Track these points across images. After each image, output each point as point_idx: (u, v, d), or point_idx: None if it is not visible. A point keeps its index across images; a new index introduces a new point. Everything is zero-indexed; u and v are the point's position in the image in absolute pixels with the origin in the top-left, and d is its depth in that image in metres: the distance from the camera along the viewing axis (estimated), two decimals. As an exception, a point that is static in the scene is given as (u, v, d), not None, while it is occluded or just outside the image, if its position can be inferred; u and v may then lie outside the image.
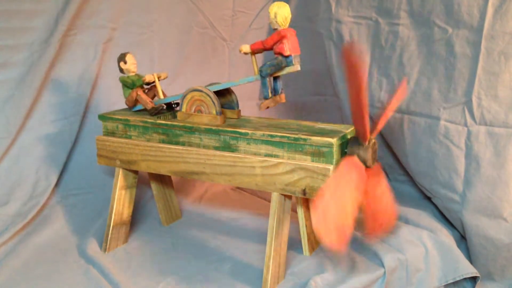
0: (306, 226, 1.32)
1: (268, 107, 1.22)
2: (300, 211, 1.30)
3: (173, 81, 1.79)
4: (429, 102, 1.47)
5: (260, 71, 1.18)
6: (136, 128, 1.34)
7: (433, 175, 1.48)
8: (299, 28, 1.92)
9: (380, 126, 1.14)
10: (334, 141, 1.09)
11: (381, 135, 1.67)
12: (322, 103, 1.95)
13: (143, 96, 1.36)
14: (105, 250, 1.38)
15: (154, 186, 1.52)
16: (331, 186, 1.04)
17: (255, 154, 1.19)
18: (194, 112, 1.29)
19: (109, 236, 1.38)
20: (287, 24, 1.17)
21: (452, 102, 1.41)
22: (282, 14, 1.14)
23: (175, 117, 1.36)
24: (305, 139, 1.11)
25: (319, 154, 1.11)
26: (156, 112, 1.35)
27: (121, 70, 1.37)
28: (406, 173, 1.64)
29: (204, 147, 1.25)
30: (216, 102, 1.25)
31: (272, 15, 1.15)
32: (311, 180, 1.11)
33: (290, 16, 1.16)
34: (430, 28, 1.45)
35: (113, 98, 1.75)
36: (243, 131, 1.19)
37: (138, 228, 1.53)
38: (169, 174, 1.32)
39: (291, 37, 1.16)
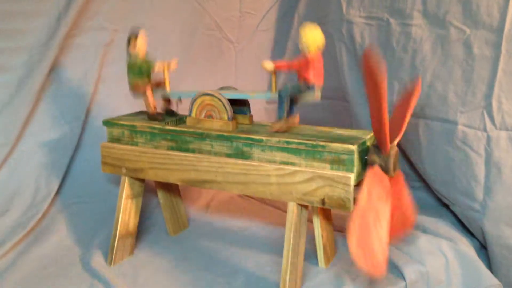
0: (322, 236, 1.27)
1: (279, 130, 1.17)
2: (316, 221, 1.26)
3: (178, 84, 1.74)
4: (445, 106, 1.43)
5: (280, 91, 1.14)
6: (143, 134, 1.29)
7: (451, 182, 1.44)
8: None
9: (402, 132, 1.09)
10: (354, 148, 1.04)
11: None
12: (330, 107, 1.90)
13: (150, 98, 1.31)
14: (110, 263, 1.33)
15: (160, 194, 1.47)
16: (361, 209, 1.01)
17: (270, 161, 1.14)
18: (205, 117, 1.24)
19: (115, 248, 1.33)
20: (317, 51, 1.12)
21: (470, 106, 1.37)
22: (314, 41, 1.09)
23: (183, 122, 1.32)
24: (323, 146, 1.07)
25: (338, 161, 1.06)
26: (155, 119, 1.30)
27: (128, 51, 1.29)
28: (422, 179, 1.60)
29: (216, 154, 1.21)
30: (228, 107, 1.21)
31: (303, 39, 1.10)
32: (331, 189, 1.06)
33: (323, 43, 1.11)
34: (445, 29, 1.41)
35: (116, 102, 1.71)
36: (257, 137, 1.14)
37: (144, 239, 1.47)
38: (178, 183, 1.28)
39: (318, 65, 1.12)
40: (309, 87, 1.12)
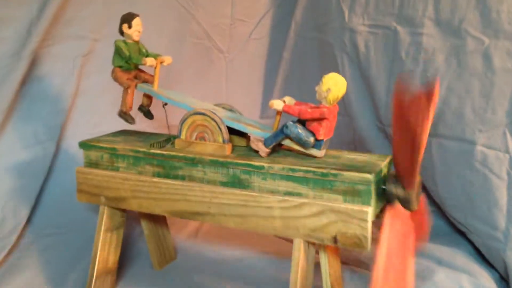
0: (330, 274, 1.13)
1: (257, 151, 1.05)
2: (324, 258, 1.12)
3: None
4: (461, 124, 1.31)
5: (286, 129, 0.99)
6: (125, 158, 1.15)
7: (468, 208, 1.32)
8: (306, 38, 1.78)
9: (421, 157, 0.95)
10: (371, 177, 0.91)
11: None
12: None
13: (130, 96, 1.17)
14: (87, 305, 1.17)
15: (145, 224, 1.33)
16: (384, 258, 0.87)
17: (272, 192, 1.00)
18: (196, 139, 1.10)
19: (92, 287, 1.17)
20: (336, 103, 0.99)
21: (490, 124, 1.25)
22: (336, 93, 0.96)
23: (171, 144, 1.17)
24: (335, 175, 0.93)
25: (353, 192, 0.93)
26: (125, 118, 1.17)
27: (121, 33, 1.16)
28: (435, 204, 1.47)
29: (209, 182, 1.06)
30: (223, 128, 1.07)
31: (324, 88, 0.97)
32: (344, 225, 0.93)
33: (343, 94, 0.98)
34: (461, 38, 1.30)
35: (95, 119, 1.58)
36: (257, 163, 1.00)
37: (126, 274, 1.32)
38: (166, 215, 1.13)
39: (332, 119, 1.00)
40: (315, 142, 1.00)
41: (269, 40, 1.82)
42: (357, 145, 1.65)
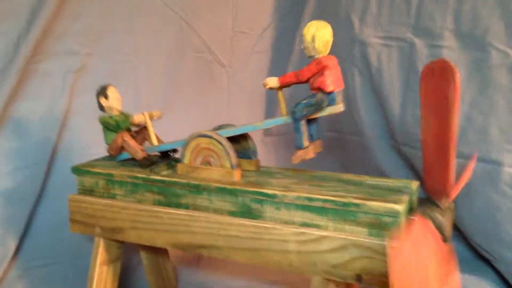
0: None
1: (302, 160, 0.95)
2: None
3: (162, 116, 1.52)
4: (485, 143, 1.24)
5: (293, 112, 0.92)
6: (123, 185, 1.06)
7: (494, 234, 1.24)
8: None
9: (462, 183, 0.87)
10: (401, 208, 0.82)
11: (422, 180, 1.41)
12: (339, 141, 1.69)
13: (132, 143, 1.08)
14: None
15: (144, 255, 1.24)
16: (405, 270, 0.77)
17: (287, 223, 0.92)
18: (201, 164, 1.02)
19: (87, 328, 1.08)
20: (328, 51, 0.91)
21: (518, 143, 1.18)
22: (322, 37, 0.90)
23: (173, 169, 1.09)
24: (358, 205, 0.85)
25: (379, 225, 0.84)
26: (149, 163, 1.07)
27: (101, 108, 1.12)
28: (457, 228, 1.39)
29: (216, 212, 0.98)
30: (230, 152, 0.98)
31: (308, 38, 0.90)
32: (369, 262, 0.84)
33: (331, 40, 0.91)
34: (485, 51, 1.23)
35: (87, 140, 1.50)
36: (269, 191, 0.92)
37: (123, 310, 1.22)
38: (168, 247, 1.04)
39: (334, 67, 0.92)
40: (328, 97, 0.91)
41: (272, 54, 1.75)
42: (369, 166, 1.57)
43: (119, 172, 1.06)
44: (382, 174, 1.52)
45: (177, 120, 1.54)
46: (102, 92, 1.10)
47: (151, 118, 1.11)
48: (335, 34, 1.54)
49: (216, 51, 1.68)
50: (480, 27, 1.23)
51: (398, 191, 0.90)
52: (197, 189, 0.99)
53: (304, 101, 0.92)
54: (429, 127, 0.82)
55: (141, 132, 1.14)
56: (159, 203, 1.04)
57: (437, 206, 0.85)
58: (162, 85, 1.63)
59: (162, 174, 1.04)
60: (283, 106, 0.99)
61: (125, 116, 1.11)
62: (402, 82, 1.40)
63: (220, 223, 0.96)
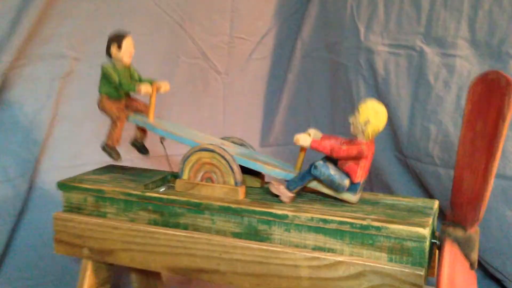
0: None
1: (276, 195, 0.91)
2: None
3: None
4: (501, 158, 1.19)
5: (314, 167, 0.86)
6: (115, 202, 0.99)
7: (508, 253, 1.19)
8: (314, 58, 1.65)
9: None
10: (426, 232, 0.76)
11: (430, 195, 1.36)
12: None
13: (119, 130, 1.03)
14: None
15: (135, 277, 1.17)
16: None
17: (298, 246, 0.86)
18: (202, 180, 0.95)
19: None
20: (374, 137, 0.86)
21: (536, 159, 1.13)
22: (377, 125, 0.84)
23: (168, 184, 1.03)
24: (378, 228, 0.79)
25: (401, 250, 0.79)
26: (110, 153, 1.04)
27: (108, 55, 1.03)
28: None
29: (218, 233, 0.92)
30: (235, 167, 0.92)
31: (361, 120, 0.84)
32: (391, 291, 0.78)
33: (384, 127, 0.85)
34: (502, 61, 1.21)
35: (74, 150, 1.47)
36: (279, 211, 0.86)
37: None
38: (164, 272, 0.97)
39: (370, 158, 0.88)
40: (350, 186, 0.87)
41: (271, 61, 1.69)
42: (373, 180, 1.52)
43: (110, 188, 0.99)
44: (387, 189, 1.47)
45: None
46: (117, 39, 1.01)
47: (157, 90, 1.03)
48: (339, 41, 1.52)
49: (211, 58, 1.61)
50: (497, 36, 1.20)
51: (419, 212, 0.85)
52: (198, 208, 0.92)
53: (332, 171, 0.85)
54: (469, 145, 0.76)
55: (134, 101, 1.07)
56: (155, 223, 0.97)
57: (464, 231, 0.79)
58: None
59: (158, 192, 0.97)
60: (299, 164, 0.92)
61: (131, 77, 1.03)
62: (411, 92, 1.35)
63: (223, 245, 0.89)
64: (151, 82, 1.03)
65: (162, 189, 1.04)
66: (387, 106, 1.40)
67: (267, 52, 1.68)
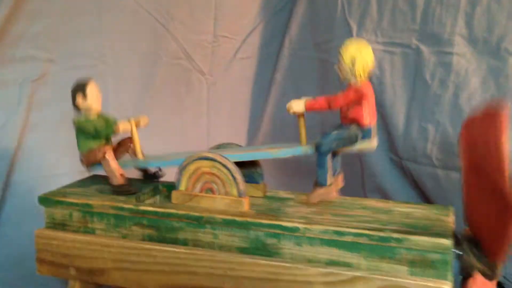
0: None
1: (321, 200, 0.85)
2: None
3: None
4: (502, 158, 1.17)
5: (320, 144, 0.82)
6: (104, 217, 0.92)
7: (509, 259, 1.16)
8: (303, 58, 1.60)
9: None
10: (450, 243, 0.73)
11: (427, 197, 1.34)
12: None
13: (113, 164, 0.95)
14: None
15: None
16: None
17: (311, 261, 0.81)
18: (201, 192, 0.89)
19: None
20: (367, 76, 0.82)
21: (540, 158, 1.11)
22: (363, 60, 0.83)
23: (160, 196, 0.96)
24: (399, 240, 0.75)
25: (423, 263, 0.75)
26: (123, 192, 0.94)
27: (76, 108, 0.98)
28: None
29: (222, 248, 0.86)
30: (238, 177, 0.87)
31: (347, 60, 0.81)
32: (414, 306, 0.74)
33: (373, 64, 0.81)
34: (500, 58, 1.19)
35: (49, 159, 1.39)
36: (290, 224, 0.81)
37: None
38: (162, 292, 0.90)
39: (371, 97, 0.84)
40: (363, 132, 0.82)
41: (257, 60, 1.63)
42: (366, 183, 1.48)
43: (99, 202, 0.92)
44: (382, 192, 1.44)
45: (150, 135, 1.40)
46: (80, 89, 0.96)
47: (137, 126, 0.98)
48: (330, 39, 1.48)
49: (195, 58, 1.55)
50: (495, 33, 1.18)
51: (438, 220, 0.81)
52: (199, 221, 0.86)
53: (334, 133, 0.81)
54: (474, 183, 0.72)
55: (123, 143, 1.01)
56: (150, 239, 0.90)
57: (490, 265, 0.75)
58: (133, 96, 1.49)
59: (153, 205, 0.91)
60: (303, 135, 0.89)
61: (106, 121, 0.97)
62: (407, 91, 1.32)
63: (228, 262, 0.83)
64: (128, 120, 0.97)
65: (154, 202, 0.98)
66: (381, 105, 1.38)
67: (252, 51, 1.62)
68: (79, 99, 0.96)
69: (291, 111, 0.84)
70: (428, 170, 1.30)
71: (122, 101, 1.45)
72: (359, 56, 0.81)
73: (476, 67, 1.21)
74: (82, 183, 1.05)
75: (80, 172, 1.36)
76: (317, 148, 0.83)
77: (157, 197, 1.01)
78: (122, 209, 0.90)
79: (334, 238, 0.79)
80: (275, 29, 1.60)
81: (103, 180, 1.06)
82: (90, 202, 0.92)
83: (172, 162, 0.94)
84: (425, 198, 1.36)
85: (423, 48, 1.29)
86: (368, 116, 0.82)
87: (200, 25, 1.54)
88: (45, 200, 0.96)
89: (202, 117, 1.62)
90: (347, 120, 0.83)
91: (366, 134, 0.83)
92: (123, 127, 0.96)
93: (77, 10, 1.35)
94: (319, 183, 0.85)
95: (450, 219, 0.82)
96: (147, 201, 0.97)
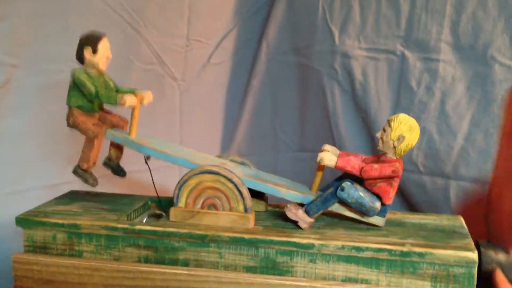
0: None
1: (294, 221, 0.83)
2: None
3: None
4: (488, 164, 1.19)
5: (341, 188, 0.78)
6: (94, 238, 0.85)
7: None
8: (281, 63, 1.56)
9: None
10: (476, 256, 0.71)
11: (412, 205, 1.34)
12: (310, 162, 1.57)
13: (95, 150, 0.89)
14: None
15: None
16: None
17: (325, 279, 0.78)
18: (203, 208, 0.83)
19: None
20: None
21: (526, 164, 1.14)
22: (409, 142, 0.78)
23: (150, 210, 0.91)
24: (421, 254, 0.73)
25: (447, 278, 0.74)
26: (82, 179, 0.89)
27: (81, 60, 0.90)
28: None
29: (227, 268, 0.81)
30: (244, 191, 0.82)
31: (394, 136, 0.77)
32: (438, 323, 0.72)
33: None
34: (487, 65, 1.21)
35: (13, 174, 1.27)
36: (303, 240, 0.77)
37: None
38: (162, 318, 0.84)
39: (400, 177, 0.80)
40: (381, 209, 0.79)
41: (232, 65, 1.58)
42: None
43: (88, 222, 0.84)
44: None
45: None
46: (91, 42, 0.89)
47: (141, 102, 0.91)
48: (310, 45, 1.45)
49: (167, 62, 1.48)
50: (481, 40, 1.19)
51: (454, 232, 0.80)
52: (203, 240, 0.80)
53: (360, 193, 0.77)
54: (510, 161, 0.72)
55: (116, 123, 0.94)
56: (147, 260, 0.83)
57: (507, 254, 0.75)
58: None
59: (151, 223, 0.84)
60: (317, 184, 0.84)
61: (108, 86, 0.91)
62: (392, 99, 1.33)
63: (237, 282, 0.79)
64: (133, 92, 0.90)
65: (145, 219, 0.92)
66: (365, 112, 1.37)
67: (227, 55, 1.57)
68: (87, 53, 0.88)
69: (323, 163, 0.79)
70: (414, 177, 1.30)
71: (119, 110, 1.36)
72: (408, 136, 0.77)
73: (462, 74, 1.23)
74: (61, 200, 0.96)
75: (46, 187, 1.28)
76: (336, 189, 0.78)
77: (147, 214, 0.94)
78: (115, 229, 0.83)
79: (352, 254, 0.76)
80: (250, 33, 1.56)
81: (85, 196, 0.98)
82: (77, 222, 0.85)
83: (166, 156, 0.86)
84: (409, 205, 1.36)
85: (409, 55, 1.29)
86: (392, 196, 0.79)
87: (173, 28, 1.47)
88: (24, 221, 0.87)
89: (175, 123, 1.55)
90: (372, 188, 0.79)
91: (382, 210, 0.80)
92: (130, 102, 0.86)
93: (42, 13, 1.25)
94: (308, 212, 0.81)
95: (464, 230, 0.81)
96: (137, 219, 0.91)
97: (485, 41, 1.19)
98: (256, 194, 0.90)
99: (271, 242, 0.78)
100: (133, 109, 0.90)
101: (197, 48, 1.53)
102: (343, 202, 0.80)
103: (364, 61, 1.35)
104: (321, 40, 1.41)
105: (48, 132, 1.29)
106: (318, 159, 0.79)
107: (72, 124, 0.89)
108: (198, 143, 1.58)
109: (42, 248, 0.87)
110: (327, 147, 0.83)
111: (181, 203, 0.84)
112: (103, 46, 0.89)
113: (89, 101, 0.89)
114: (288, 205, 0.82)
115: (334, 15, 1.38)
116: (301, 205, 0.82)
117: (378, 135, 0.79)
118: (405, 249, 0.74)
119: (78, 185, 1.03)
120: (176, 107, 1.55)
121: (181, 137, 1.56)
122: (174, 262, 0.82)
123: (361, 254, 0.75)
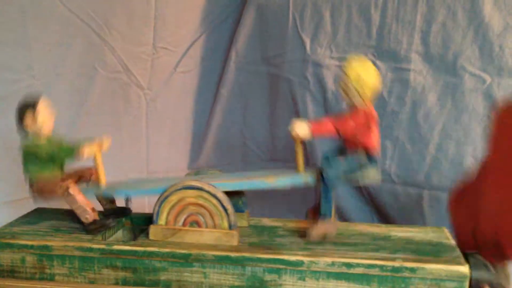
0: None
1: (324, 235, 0.80)
2: None
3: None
4: (460, 174, 1.20)
5: (326, 172, 0.76)
6: (66, 261, 0.80)
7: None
8: (251, 72, 1.53)
9: None
10: (467, 270, 0.71)
11: (384, 214, 1.35)
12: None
13: (80, 198, 0.82)
14: None
15: None
16: None
17: (316, 297, 0.75)
18: (185, 225, 0.80)
19: None
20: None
21: (496, 173, 1.16)
22: (370, 79, 0.76)
23: (128, 231, 0.86)
24: (413, 269, 0.72)
25: (438, 292, 0.72)
26: (99, 228, 0.83)
27: (23, 129, 0.84)
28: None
29: (213, 288, 0.77)
30: (229, 207, 0.79)
31: (353, 78, 0.75)
32: None
33: (379, 83, 0.77)
34: (457, 76, 1.21)
35: None
36: (292, 257, 0.75)
37: None
38: None
39: (377, 123, 0.80)
40: (371, 160, 0.78)
41: (200, 73, 1.54)
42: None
43: (60, 243, 0.79)
44: (339, 214, 1.42)
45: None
46: (30, 108, 0.82)
47: (101, 148, 0.86)
48: (281, 54, 1.43)
49: (133, 70, 1.42)
50: (451, 51, 1.20)
51: (442, 244, 0.80)
52: (186, 260, 0.77)
53: (342, 164, 0.76)
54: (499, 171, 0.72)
55: (83, 173, 0.89)
56: (125, 282, 0.79)
57: (495, 270, 0.75)
58: (65, 113, 1.33)
59: (130, 243, 0.80)
60: (301, 161, 0.82)
61: (60, 145, 0.84)
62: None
63: (223, 304, 0.75)
64: (92, 143, 0.85)
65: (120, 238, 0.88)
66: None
67: (194, 64, 1.52)
68: (28, 120, 0.82)
69: (293, 133, 0.78)
70: (387, 186, 1.30)
71: (54, 120, 1.29)
72: (365, 74, 0.76)
73: (432, 83, 1.23)
74: (28, 219, 0.90)
75: (6, 204, 1.20)
76: (324, 179, 0.77)
77: (121, 232, 0.90)
78: (90, 250, 0.78)
79: (343, 271, 0.74)
80: (219, 41, 1.52)
81: (54, 214, 0.93)
82: (48, 243, 0.79)
83: (150, 190, 0.84)
84: (382, 215, 1.36)
85: (380, 64, 1.29)
86: (376, 144, 0.78)
87: (139, 35, 1.41)
88: (-12, 243, 0.81)
89: (141, 134, 1.50)
90: (353, 145, 0.78)
91: (373, 163, 0.79)
92: (89, 151, 0.83)
93: (-1, 17, 1.19)
94: (324, 215, 0.80)
95: (451, 242, 0.81)
96: (111, 238, 0.86)
97: (454, 51, 1.20)
98: (239, 209, 0.87)
99: (258, 260, 0.75)
100: (95, 157, 0.85)
101: (164, 56, 1.48)
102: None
103: (336, 70, 1.34)
104: (292, 49, 1.39)
105: (3, 145, 1.22)
106: (290, 129, 0.78)
107: (38, 195, 0.83)
108: (165, 153, 1.54)
109: (9, 272, 0.81)
110: (295, 121, 0.81)
111: (161, 220, 0.80)
112: (43, 108, 0.84)
113: (47, 165, 0.83)
114: (309, 229, 0.80)
115: (305, 23, 1.36)
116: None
117: (339, 86, 0.78)
118: (396, 264, 0.73)
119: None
120: (143, 116, 1.49)
121: (147, 147, 1.51)
122: (155, 284, 0.78)
123: (351, 271, 0.73)
